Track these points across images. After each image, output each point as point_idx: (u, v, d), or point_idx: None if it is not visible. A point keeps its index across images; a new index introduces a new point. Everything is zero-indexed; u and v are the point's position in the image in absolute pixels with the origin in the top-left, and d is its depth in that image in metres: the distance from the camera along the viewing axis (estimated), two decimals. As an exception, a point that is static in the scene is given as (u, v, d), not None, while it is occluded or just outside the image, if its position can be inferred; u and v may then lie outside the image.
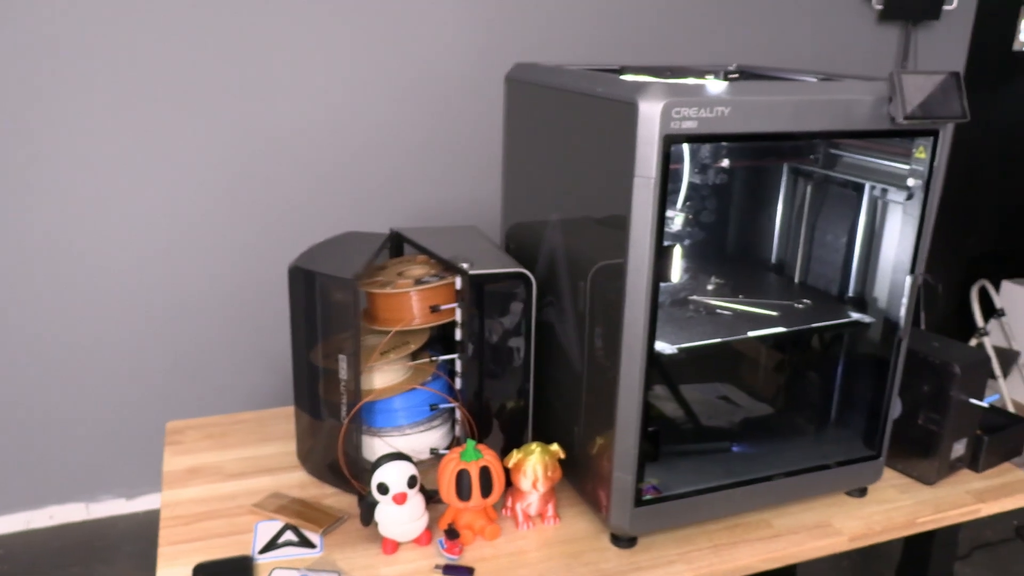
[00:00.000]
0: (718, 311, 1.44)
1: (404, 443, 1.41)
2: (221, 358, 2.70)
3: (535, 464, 1.28)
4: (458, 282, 1.34)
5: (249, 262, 2.63)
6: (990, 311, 3.49)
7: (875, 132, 1.20)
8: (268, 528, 1.29)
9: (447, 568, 1.21)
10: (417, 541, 1.26)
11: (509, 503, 1.34)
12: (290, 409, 1.58)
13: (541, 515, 1.33)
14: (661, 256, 1.12)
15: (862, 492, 1.44)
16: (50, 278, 2.47)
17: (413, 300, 1.39)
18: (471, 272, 1.30)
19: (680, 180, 1.42)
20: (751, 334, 1.36)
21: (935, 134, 1.24)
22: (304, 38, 2.51)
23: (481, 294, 1.31)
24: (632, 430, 1.20)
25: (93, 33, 2.32)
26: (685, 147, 1.38)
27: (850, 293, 1.47)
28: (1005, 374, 3.39)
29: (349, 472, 1.35)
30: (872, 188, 1.40)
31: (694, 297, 1.48)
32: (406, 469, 1.22)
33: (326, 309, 1.33)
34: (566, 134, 1.28)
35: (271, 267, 2.63)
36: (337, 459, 1.36)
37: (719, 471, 1.34)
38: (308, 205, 2.65)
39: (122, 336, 2.58)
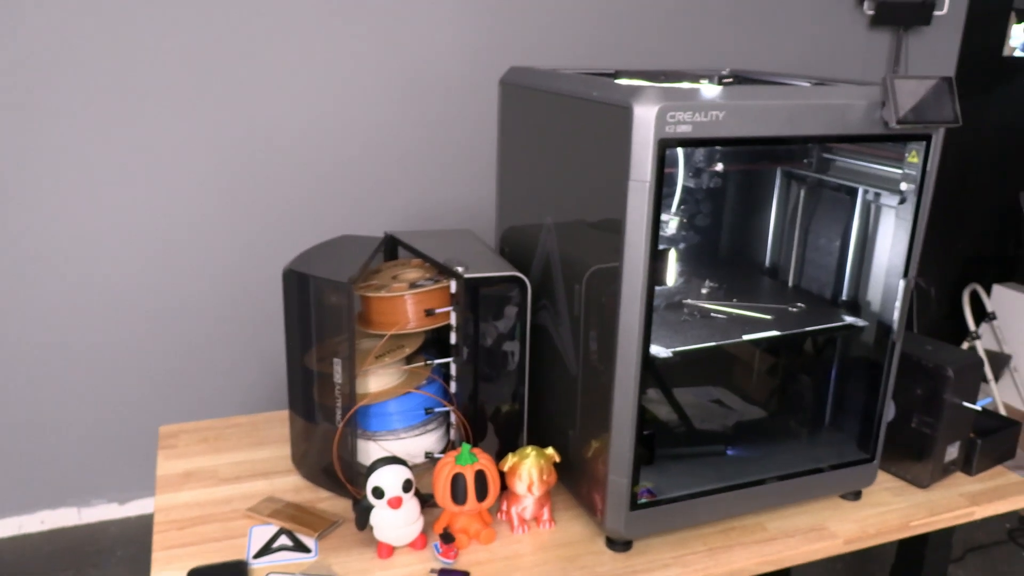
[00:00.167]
0: (712, 315, 1.44)
1: (399, 447, 1.41)
2: (215, 362, 2.69)
3: (530, 468, 1.28)
4: (453, 286, 1.34)
5: (244, 265, 2.63)
6: (981, 315, 3.51)
7: (868, 136, 1.21)
8: (263, 532, 1.29)
9: (442, 572, 1.21)
10: (412, 545, 1.26)
11: (504, 507, 1.33)
12: (285, 413, 1.58)
13: (536, 519, 1.33)
14: (656, 260, 1.13)
15: (856, 495, 1.44)
16: (42, 281, 2.46)
17: (408, 304, 1.39)
18: (466, 276, 1.30)
19: (675, 184, 1.43)
20: (745, 337, 1.37)
21: (928, 138, 1.25)
22: (299, 41, 2.51)
23: (476, 298, 1.31)
24: (627, 433, 1.20)
25: (90, 33, 2.31)
26: (680, 151, 1.38)
27: (844, 297, 1.48)
28: (996, 377, 3.40)
29: (344, 476, 1.35)
30: (865, 192, 1.41)
31: (688, 301, 1.49)
32: (401, 473, 1.22)
33: (321, 312, 1.33)
34: (561, 138, 1.28)
35: (265, 270, 2.63)
36: (332, 463, 1.36)
37: (714, 474, 1.34)
38: (303, 208, 2.65)
39: (115, 339, 2.57)
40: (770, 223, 1.60)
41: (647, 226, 1.10)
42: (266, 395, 2.75)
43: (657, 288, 1.15)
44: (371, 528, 1.24)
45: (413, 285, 1.40)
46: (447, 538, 1.25)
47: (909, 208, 1.30)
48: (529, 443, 1.38)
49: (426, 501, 1.29)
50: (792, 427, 1.56)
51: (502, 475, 1.30)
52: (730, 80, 1.45)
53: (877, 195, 1.38)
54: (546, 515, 1.33)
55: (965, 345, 3.48)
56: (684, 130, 1.07)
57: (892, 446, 1.45)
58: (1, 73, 2.27)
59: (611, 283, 1.15)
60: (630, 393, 1.18)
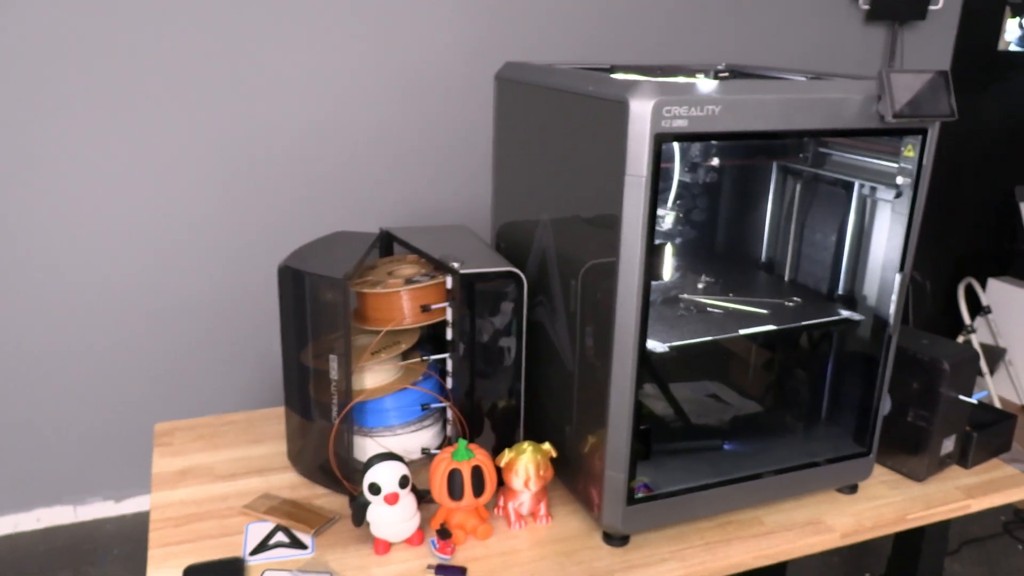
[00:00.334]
0: (709, 309, 1.44)
1: (395, 443, 1.41)
2: (211, 359, 2.69)
3: (527, 463, 1.28)
4: (449, 281, 1.34)
5: (239, 262, 2.62)
6: (976, 308, 3.52)
7: (864, 131, 1.21)
8: (259, 529, 1.29)
9: (439, 568, 1.21)
10: (409, 541, 1.26)
11: (501, 502, 1.33)
12: (281, 410, 1.57)
13: (533, 514, 1.33)
14: (652, 255, 1.12)
15: (853, 489, 1.44)
16: (38, 279, 2.45)
17: (404, 300, 1.39)
18: (462, 271, 1.30)
19: (671, 179, 1.43)
20: (742, 332, 1.37)
21: (924, 132, 1.25)
22: (295, 39, 2.50)
23: (472, 293, 1.31)
24: (624, 429, 1.20)
25: (86, 31, 2.30)
26: (675, 146, 1.38)
27: (840, 291, 1.48)
28: (992, 371, 3.41)
29: (340, 472, 1.35)
30: (861, 186, 1.41)
31: (685, 296, 1.49)
32: (397, 469, 1.22)
33: (316, 309, 1.33)
34: (556, 133, 1.28)
35: (261, 267, 2.62)
36: (328, 460, 1.35)
37: (710, 469, 1.34)
38: (298, 205, 2.64)
39: (110, 337, 2.57)
40: (766, 218, 1.60)
41: (643, 221, 1.10)
42: (262, 392, 2.74)
43: (653, 283, 1.15)
44: (368, 524, 1.24)
45: (409, 281, 1.40)
46: (444, 534, 1.25)
47: (905, 202, 1.30)
48: (526, 439, 1.38)
49: (423, 497, 1.29)
50: (788, 421, 1.56)
51: (499, 471, 1.29)
52: (726, 74, 1.45)
53: (873, 189, 1.38)
54: (543, 510, 1.33)
55: (960, 339, 3.49)
56: (680, 124, 1.07)
57: (888, 440, 1.45)
58: (-6, 70, 2.26)
59: (607, 278, 1.15)
60: (626, 388, 1.18)
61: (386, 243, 1.59)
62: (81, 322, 2.52)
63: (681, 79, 1.18)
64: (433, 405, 1.44)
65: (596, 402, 1.23)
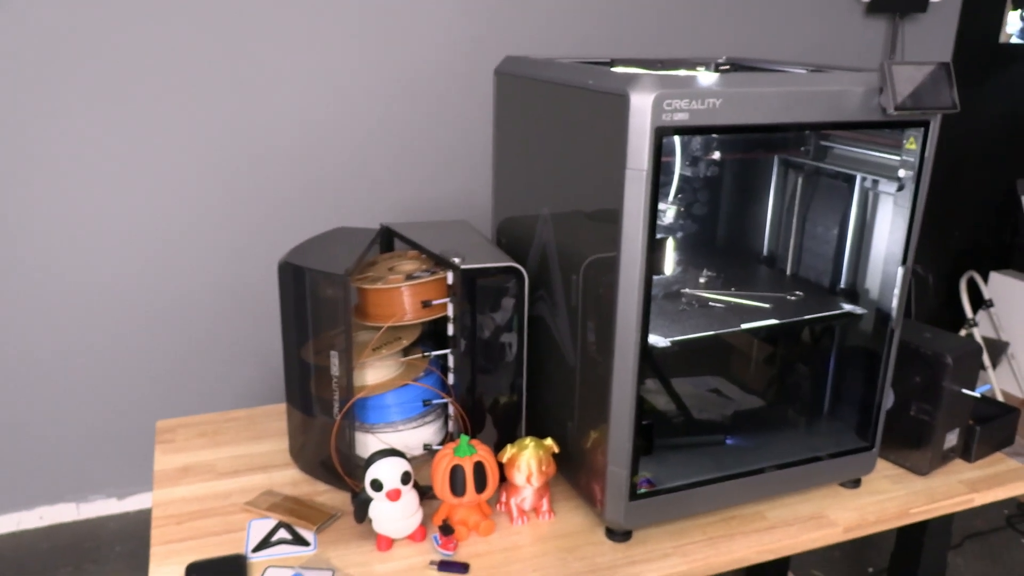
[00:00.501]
0: (710, 304, 1.44)
1: (397, 439, 1.41)
2: (212, 355, 2.69)
3: (529, 459, 1.28)
4: (450, 277, 1.34)
5: (239, 259, 2.62)
6: (978, 302, 3.51)
7: (866, 123, 1.20)
8: (261, 526, 1.28)
9: (442, 564, 1.21)
10: (411, 537, 1.26)
11: (503, 498, 1.33)
12: (282, 406, 1.57)
13: (535, 510, 1.33)
14: (653, 249, 1.12)
15: (856, 483, 1.44)
16: (39, 277, 2.45)
17: (404, 295, 1.39)
18: (463, 267, 1.29)
19: (672, 173, 1.42)
20: (744, 326, 1.36)
21: (926, 125, 1.24)
22: (294, 34, 2.49)
23: (473, 289, 1.30)
24: (626, 424, 1.20)
25: (85, 30, 2.29)
26: (676, 139, 1.37)
27: (842, 285, 1.47)
28: (994, 364, 3.40)
29: (342, 469, 1.35)
30: (863, 179, 1.40)
31: (686, 290, 1.48)
32: (399, 465, 1.22)
33: (317, 305, 1.32)
34: (557, 127, 1.27)
35: (262, 263, 2.62)
36: (330, 456, 1.35)
37: (713, 464, 1.34)
38: (298, 201, 2.64)
39: (112, 334, 2.56)
40: (768, 211, 1.60)
41: (644, 215, 1.09)
42: (264, 389, 2.74)
43: (655, 277, 1.15)
44: (370, 521, 1.24)
45: (410, 277, 1.40)
46: (446, 530, 1.25)
47: (907, 195, 1.30)
48: (528, 434, 1.38)
49: (425, 493, 1.29)
50: (791, 416, 1.56)
51: (501, 466, 1.29)
52: (727, 68, 1.45)
53: (875, 182, 1.37)
54: (545, 506, 1.33)
55: (962, 333, 3.48)
56: (681, 118, 1.06)
57: (891, 434, 1.45)
58: (-7, 67, 2.26)
59: (608, 273, 1.15)
60: (628, 383, 1.18)
61: (387, 239, 1.59)
62: (82, 320, 2.52)
63: (682, 72, 1.17)
64: (435, 401, 1.43)
65: (598, 397, 1.22)
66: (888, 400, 1.41)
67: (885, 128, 1.28)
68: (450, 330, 1.35)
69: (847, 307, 1.43)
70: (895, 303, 1.34)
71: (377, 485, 1.21)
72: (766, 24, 3.08)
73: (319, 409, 1.36)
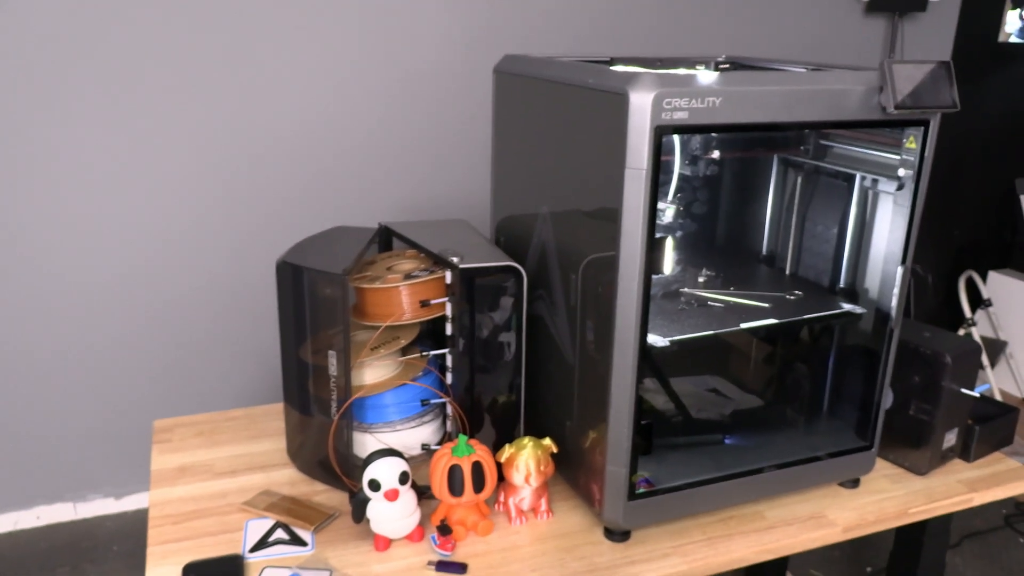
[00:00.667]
0: (710, 303, 1.43)
1: (395, 439, 1.40)
2: (210, 355, 2.68)
3: (527, 459, 1.27)
4: (448, 276, 1.33)
5: (237, 258, 2.61)
6: (977, 301, 3.51)
7: (866, 122, 1.20)
8: (259, 526, 1.28)
9: (440, 564, 1.20)
10: (409, 537, 1.25)
11: (502, 498, 1.33)
12: (280, 406, 1.57)
13: (534, 510, 1.33)
14: (652, 248, 1.12)
15: (855, 483, 1.44)
16: (37, 276, 2.44)
17: (403, 295, 1.38)
18: (461, 266, 1.29)
19: (671, 172, 1.42)
20: (743, 326, 1.36)
21: (926, 124, 1.24)
22: (292, 33, 2.49)
23: (471, 288, 1.30)
24: (625, 423, 1.20)
25: (83, 29, 2.29)
26: (676, 138, 1.37)
27: (841, 284, 1.47)
28: (993, 364, 3.41)
29: (340, 469, 1.34)
30: (863, 178, 1.40)
31: (685, 289, 1.48)
32: (397, 465, 1.21)
33: (315, 304, 1.32)
34: (556, 126, 1.27)
35: (259, 263, 2.61)
36: (328, 456, 1.35)
37: (712, 464, 1.34)
38: (297, 201, 2.63)
39: (109, 334, 2.56)
40: (767, 211, 1.59)
41: (643, 214, 1.09)
42: (261, 389, 2.74)
43: (654, 277, 1.14)
44: (368, 521, 1.23)
45: (408, 276, 1.39)
46: (444, 530, 1.24)
47: (907, 194, 1.29)
48: (526, 434, 1.38)
49: (423, 493, 1.28)
50: (790, 415, 1.56)
51: (499, 466, 1.29)
52: (726, 66, 1.45)
53: (875, 181, 1.37)
54: (544, 506, 1.32)
55: (961, 332, 3.48)
56: (680, 117, 1.06)
57: (890, 433, 1.45)
58: (-10, 65, 2.25)
59: (608, 272, 1.15)
60: (627, 383, 1.17)
61: (385, 238, 1.58)
62: (80, 319, 2.52)
63: (681, 71, 1.17)
64: (433, 401, 1.43)
65: (597, 397, 1.22)
66: (887, 400, 1.41)
67: (885, 127, 1.28)
68: (448, 329, 1.35)
69: (846, 306, 1.43)
70: (894, 302, 1.34)
71: (375, 485, 1.20)
72: (765, 23, 3.08)
73: (317, 409, 1.36)
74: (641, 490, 1.25)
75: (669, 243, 1.17)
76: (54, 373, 2.54)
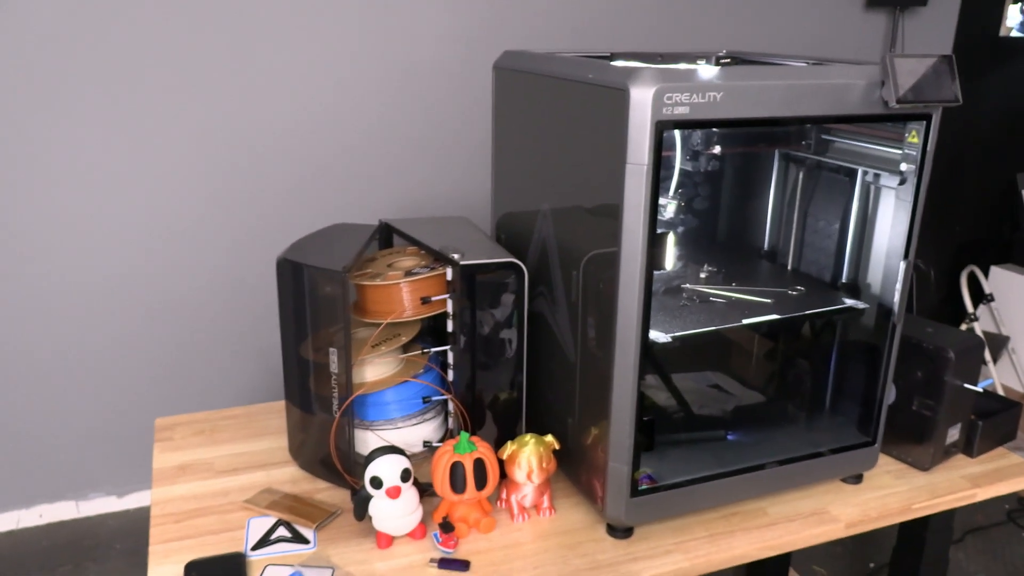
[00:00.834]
0: (711, 299, 1.43)
1: (397, 436, 1.40)
2: (211, 353, 2.68)
3: (529, 455, 1.27)
4: (449, 273, 1.33)
5: (238, 256, 2.61)
6: (979, 296, 3.51)
7: (867, 116, 1.19)
8: (260, 524, 1.28)
9: (442, 562, 1.20)
10: (412, 535, 1.25)
11: (504, 495, 1.33)
12: (281, 404, 1.57)
13: (536, 507, 1.32)
14: (654, 244, 1.11)
15: (857, 479, 1.44)
16: (38, 275, 2.44)
17: (404, 292, 1.38)
18: (462, 263, 1.29)
19: (672, 167, 1.41)
20: (745, 321, 1.36)
21: (928, 118, 1.23)
22: (292, 30, 2.48)
23: (472, 285, 1.30)
24: (627, 420, 1.19)
25: (83, 28, 2.28)
26: (677, 133, 1.37)
27: (843, 279, 1.46)
28: (995, 359, 3.40)
29: (342, 466, 1.34)
30: (865, 173, 1.40)
31: (687, 285, 1.47)
32: (399, 462, 1.21)
33: (315, 302, 1.32)
34: (556, 122, 1.26)
35: (260, 260, 2.61)
36: (329, 453, 1.35)
37: (714, 460, 1.33)
38: (297, 197, 2.63)
39: (110, 332, 2.56)
40: (769, 206, 1.59)
41: (645, 210, 1.09)
42: (263, 387, 2.73)
43: (655, 273, 1.14)
44: (370, 518, 1.23)
45: (409, 273, 1.39)
46: (446, 527, 1.24)
47: (909, 189, 1.29)
48: (528, 431, 1.37)
49: (425, 490, 1.28)
50: (792, 411, 1.55)
51: (501, 463, 1.29)
52: (727, 61, 1.44)
53: (877, 176, 1.37)
54: (546, 503, 1.32)
55: (963, 327, 3.48)
56: (681, 112, 1.06)
57: (893, 429, 1.44)
58: (-11, 64, 2.25)
59: (609, 268, 1.14)
60: (629, 379, 1.17)
61: (385, 235, 1.58)
62: (81, 318, 2.51)
63: (682, 66, 1.16)
64: (434, 398, 1.43)
65: (598, 393, 1.22)
66: (890, 395, 1.40)
67: (887, 121, 1.27)
68: (450, 326, 1.34)
69: (848, 302, 1.42)
70: (897, 298, 1.34)
71: (377, 482, 1.20)
72: (766, 18, 3.07)
73: (318, 406, 1.36)
74: (643, 487, 1.25)
75: (670, 239, 1.16)
76: (55, 372, 2.54)
